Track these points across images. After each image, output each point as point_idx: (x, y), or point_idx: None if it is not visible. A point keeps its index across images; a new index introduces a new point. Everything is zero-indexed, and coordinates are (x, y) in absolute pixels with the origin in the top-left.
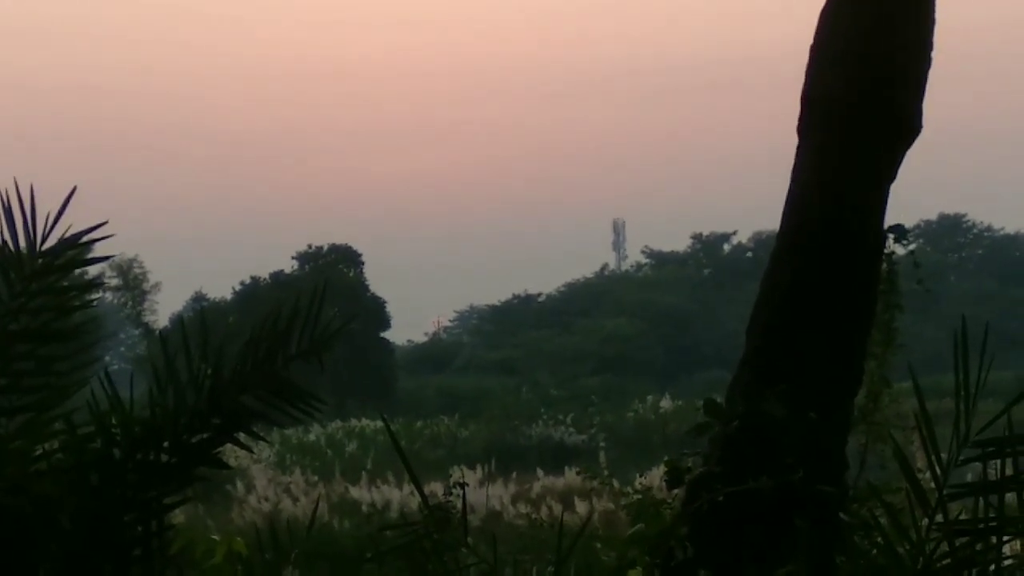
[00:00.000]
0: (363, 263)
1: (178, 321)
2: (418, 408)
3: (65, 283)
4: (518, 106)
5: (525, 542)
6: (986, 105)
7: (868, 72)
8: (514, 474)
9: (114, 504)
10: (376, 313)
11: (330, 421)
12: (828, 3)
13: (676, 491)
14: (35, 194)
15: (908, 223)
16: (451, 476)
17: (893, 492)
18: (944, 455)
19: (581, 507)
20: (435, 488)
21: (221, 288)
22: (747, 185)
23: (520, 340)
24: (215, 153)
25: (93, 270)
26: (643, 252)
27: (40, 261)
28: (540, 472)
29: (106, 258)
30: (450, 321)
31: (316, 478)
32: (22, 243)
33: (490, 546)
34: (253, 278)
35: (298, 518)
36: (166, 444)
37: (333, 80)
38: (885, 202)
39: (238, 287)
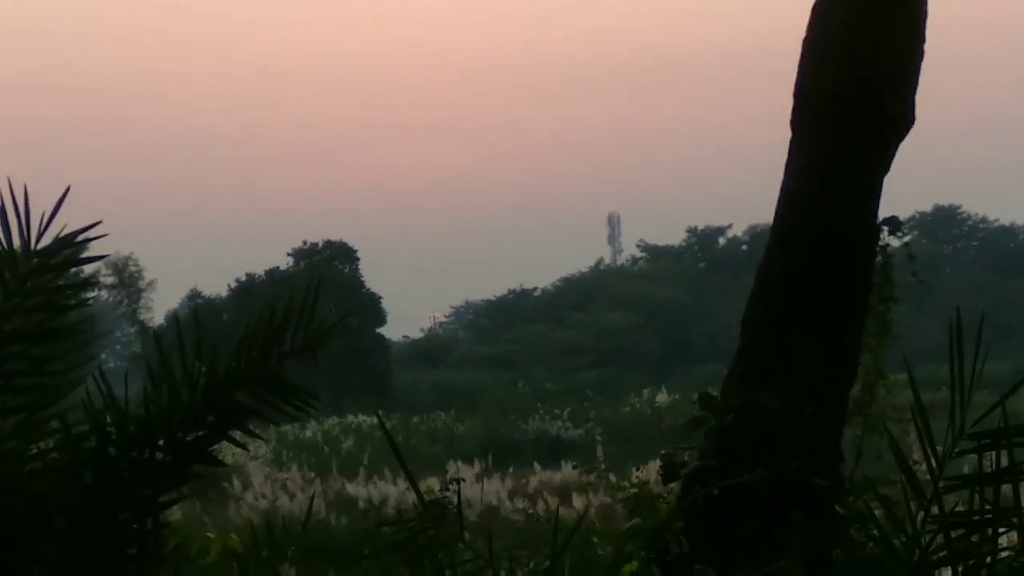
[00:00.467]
0: (359, 259)
1: (173, 319)
2: (414, 404)
3: (60, 282)
4: (513, 101)
5: (522, 537)
6: (980, 96)
7: (860, 66)
8: (511, 469)
9: (109, 502)
10: (372, 309)
11: (327, 417)
12: None
13: (672, 485)
14: (29, 193)
15: (903, 215)
16: (448, 471)
17: (889, 484)
18: (940, 447)
19: (578, 501)
20: (432, 484)
21: (217, 285)
22: (742, 179)
23: (516, 335)
24: (211, 151)
25: (88, 269)
26: (638, 246)
27: (34, 261)
28: (537, 467)
29: (101, 257)
30: (446, 316)
31: (313, 474)
32: (16, 243)
33: (486, 541)
34: (249, 275)
35: (295, 515)
36: (161, 442)
37: (328, 77)
38: (879, 194)
39: (234, 284)
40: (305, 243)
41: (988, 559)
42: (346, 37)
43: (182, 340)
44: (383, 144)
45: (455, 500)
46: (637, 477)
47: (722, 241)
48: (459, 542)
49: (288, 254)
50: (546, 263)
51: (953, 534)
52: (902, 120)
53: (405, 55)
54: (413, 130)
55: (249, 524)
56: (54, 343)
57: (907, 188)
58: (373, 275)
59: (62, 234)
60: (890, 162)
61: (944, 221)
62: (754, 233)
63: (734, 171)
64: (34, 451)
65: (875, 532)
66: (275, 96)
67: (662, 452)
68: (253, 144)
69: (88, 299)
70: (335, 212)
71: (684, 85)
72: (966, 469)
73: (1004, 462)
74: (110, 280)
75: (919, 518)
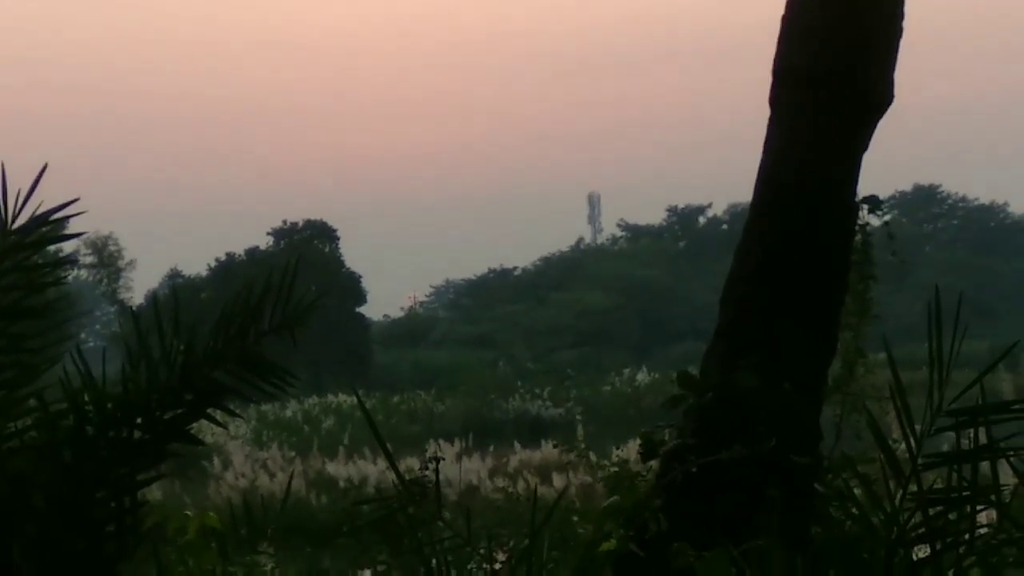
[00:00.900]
0: (338, 238)
1: (152, 298)
2: (394, 383)
3: (38, 260)
4: (492, 81)
5: (502, 516)
6: (960, 75)
7: (838, 43)
8: (491, 448)
9: (87, 481)
10: (352, 288)
11: (307, 397)
12: None
13: (651, 463)
14: (6, 172)
15: (883, 194)
16: (427, 451)
17: (868, 462)
18: (919, 425)
19: (558, 481)
20: (412, 463)
21: (197, 265)
22: (722, 158)
23: (496, 314)
24: (192, 129)
25: (68, 247)
26: (618, 225)
27: (11, 238)
28: (517, 446)
29: (78, 235)
30: (426, 296)
31: (293, 454)
32: None
33: (466, 520)
34: (228, 254)
35: (275, 494)
36: (139, 421)
37: (308, 55)
38: (857, 173)
39: (214, 264)
40: (285, 223)
41: (966, 536)
42: (324, 14)
43: (160, 319)
44: (363, 123)
45: (434, 479)
46: (617, 456)
47: (702, 220)
48: (438, 521)
49: (268, 233)
50: (526, 242)
51: (931, 511)
52: (881, 98)
53: (385, 32)
54: (394, 109)
55: (228, 503)
56: (31, 321)
57: (887, 167)
58: (353, 254)
59: (38, 212)
60: (868, 140)
61: (924, 200)
62: (734, 212)
63: (714, 150)
64: (11, 429)
65: (854, 510)
66: (257, 75)
67: (641, 431)
68: (234, 123)
69: (65, 277)
70: (315, 191)
71: (664, 63)
72: (945, 447)
73: (982, 440)
74: (90, 259)
75: (898, 496)
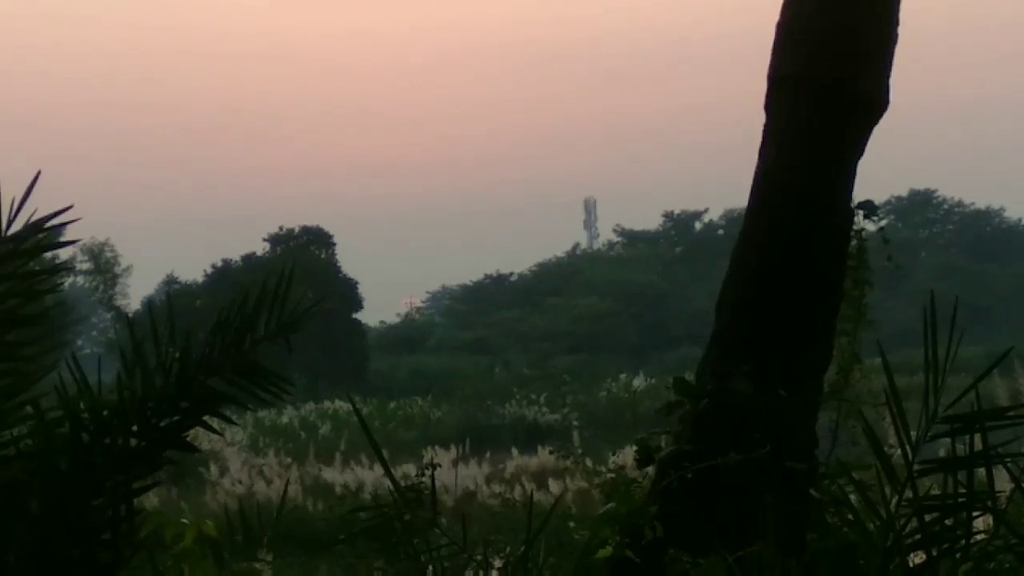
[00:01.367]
0: (335, 244)
1: (148, 305)
2: (391, 389)
3: (35, 267)
4: (489, 86)
5: (498, 522)
6: (956, 80)
7: (833, 49)
8: (488, 454)
9: (83, 489)
10: (348, 294)
11: (303, 403)
12: None
13: (648, 470)
14: (1, 179)
15: (878, 199)
16: (424, 457)
17: (863, 469)
18: (914, 432)
19: (555, 486)
20: (409, 470)
21: (194, 271)
22: (718, 163)
23: (492, 320)
24: (188, 136)
25: (63, 254)
26: (614, 231)
27: (7, 246)
28: (514, 452)
29: (72, 242)
30: (422, 302)
31: (290, 460)
32: None
33: (462, 527)
34: (225, 261)
35: (272, 500)
36: (135, 428)
37: (303, 62)
38: (853, 178)
39: (210, 270)
40: (281, 228)
41: (962, 542)
42: (323, 21)
43: (155, 326)
44: (360, 129)
45: (431, 485)
46: (614, 462)
47: (698, 226)
48: (435, 527)
49: (264, 240)
50: (522, 248)
51: (927, 518)
52: (876, 104)
53: (383, 41)
54: (390, 115)
55: (224, 510)
56: (27, 328)
57: (882, 172)
58: (350, 260)
59: (33, 219)
60: (864, 146)
61: (920, 205)
62: (730, 218)
63: (710, 156)
64: (7, 437)
65: (850, 516)
66: (253, 82)
67: (637, 437)
68: (231, 130)
69: (61, 284)
70: (312, 198)
71: (660, 70)
72: (941, 453)
73: (978, 445)
74: (86, 266)
75: (893, 502)
